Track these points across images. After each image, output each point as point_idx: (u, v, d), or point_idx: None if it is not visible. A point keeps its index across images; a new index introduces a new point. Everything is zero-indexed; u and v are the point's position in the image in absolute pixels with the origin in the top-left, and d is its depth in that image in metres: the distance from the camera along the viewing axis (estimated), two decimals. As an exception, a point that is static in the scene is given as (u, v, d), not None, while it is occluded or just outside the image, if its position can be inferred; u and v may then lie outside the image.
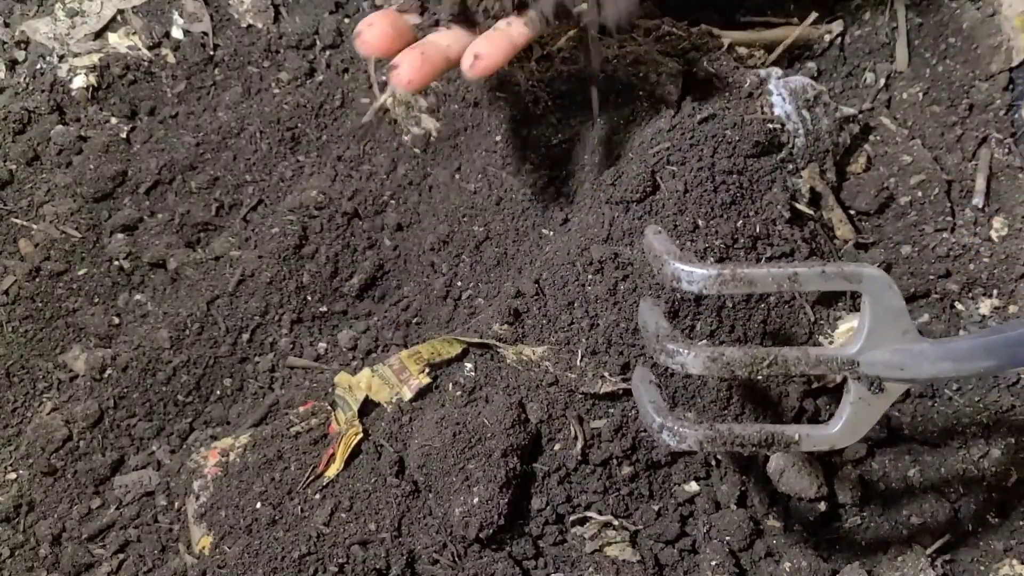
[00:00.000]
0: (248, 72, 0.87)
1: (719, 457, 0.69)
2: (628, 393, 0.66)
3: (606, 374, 0.65)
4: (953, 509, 0.69)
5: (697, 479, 0.69)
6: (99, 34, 0.87)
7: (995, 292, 0.74)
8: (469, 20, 0.62)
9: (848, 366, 0.54)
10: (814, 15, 0.82)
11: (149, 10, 0.88)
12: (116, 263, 0.81)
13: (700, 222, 0.66)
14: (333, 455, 0.67)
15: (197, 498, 0.68)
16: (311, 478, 0.66)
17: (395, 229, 0.81)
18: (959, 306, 0.74)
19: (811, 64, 0.83)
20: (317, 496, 0.66)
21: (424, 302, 0.79)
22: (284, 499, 0.66)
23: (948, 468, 0.71)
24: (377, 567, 0.64)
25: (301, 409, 0.71)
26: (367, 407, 0.69)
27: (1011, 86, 0.78)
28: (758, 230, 0.68)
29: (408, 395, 0.68)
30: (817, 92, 0.75)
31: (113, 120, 0.86)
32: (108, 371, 0.75)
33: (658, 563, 0.68)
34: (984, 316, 0.74)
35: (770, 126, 0.73)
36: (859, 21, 0.79)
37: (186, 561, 0.67)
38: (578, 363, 0.66)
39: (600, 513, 0.67)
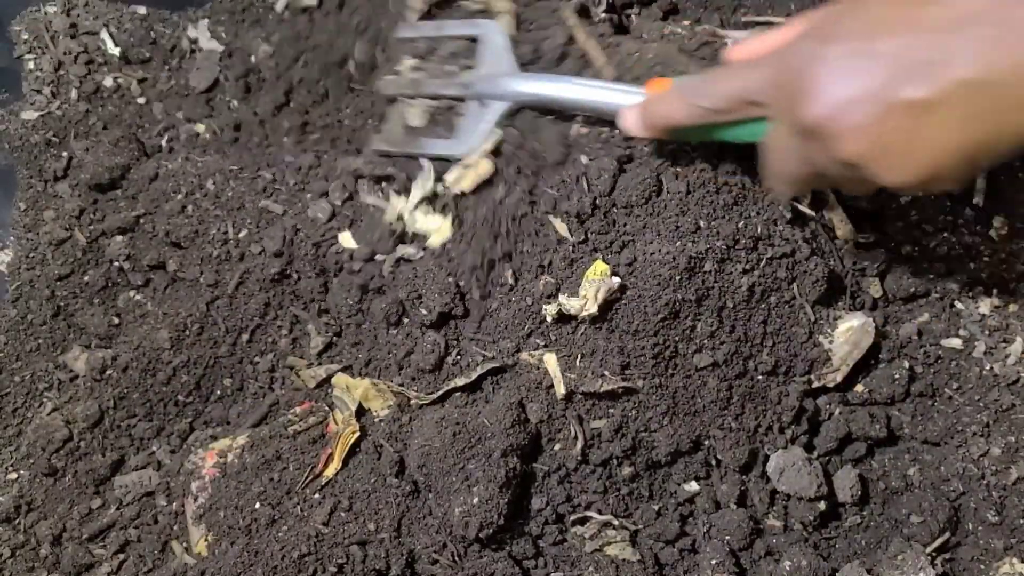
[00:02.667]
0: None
1: (719, 457, 0.69)
2: (628, 392, 0.66)
3: (606, 372, 0.65)
4: (953, 508, 0.69)
5: (697, 479, 0.69)
6: None
7: (995, 291, 0.74)
8: None
9: (464, 87, 0.72)
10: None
11: None
12: (116, 264, 0.81)
13: (702, 223, 0.66)
14: (331, 455, 0.67)
15: (195, 499, 0.68)
16: (310, 478, 0.66)
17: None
18: (959, 305, 0.74)
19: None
20: (316, 496, 0.66)
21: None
22: (283, 499, 0.66)
23: (948, 467, 0.71)
24: (377, 567, 0.64)
25: (299, 409, 0.71)
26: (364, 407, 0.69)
27: (1011, 85, 0.78)
28: (759, 231, 0.68)
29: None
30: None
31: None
32: (108, 371, 0.75)
33: (658, 563, 0.68)
34: (984, 315, 0.74)
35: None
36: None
37: (185, 561, 0.67)
38: (577, 363, 0.66)
39: (600, 513, 0.67)
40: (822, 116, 0.45)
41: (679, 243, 0.65)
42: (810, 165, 0.50)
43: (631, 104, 0.62)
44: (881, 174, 0.45)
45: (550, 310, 0.65)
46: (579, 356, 0.66)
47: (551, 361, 0.66)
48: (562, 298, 0.65)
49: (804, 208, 0.72)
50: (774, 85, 0.50)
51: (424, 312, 0.70)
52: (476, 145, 0.70)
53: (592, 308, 0.64)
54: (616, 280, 0.64)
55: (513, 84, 0.68)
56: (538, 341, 0.67)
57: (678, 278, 0.64)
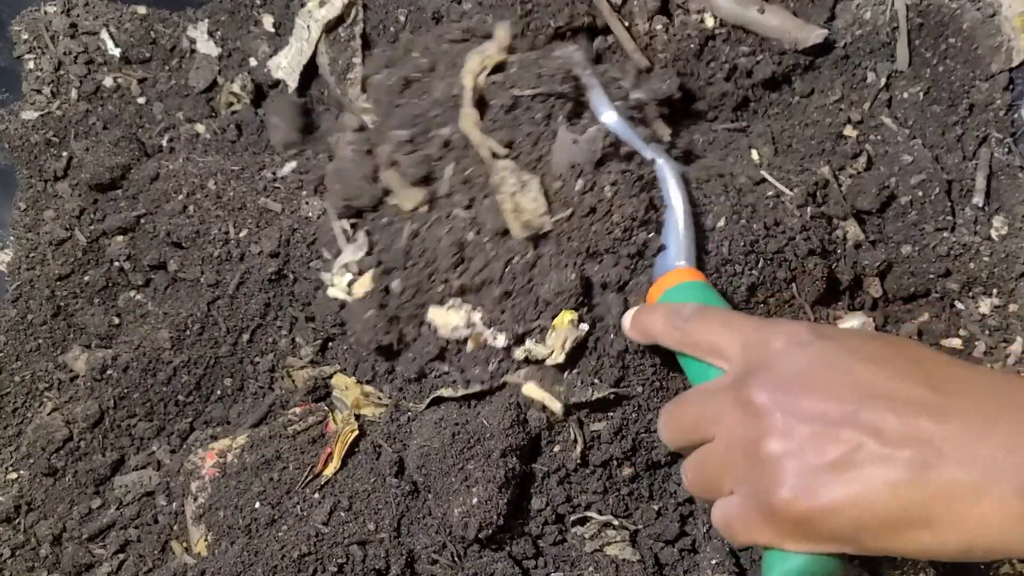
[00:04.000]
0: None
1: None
2: (621, 399, 0.66)
3: (596, 380, 0.65)
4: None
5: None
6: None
7: (995, 291, 0.74)
8: None
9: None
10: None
11: None
12: (116, 264, 0.81)
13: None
14: (331, 454, 0.67)
15: (195, 499, 0.68)
16: (309, 477, 0.66)
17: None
18: (959, 305, 0.74)
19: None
20: (316, 496, 0.66)
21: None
22: (283, 499, 0.66)
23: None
24: (376, 567, 0.64)
25: (299, 409, 0.71)
26: (366, 407, 0.69)
27: (1011, 86, 0.78)
28: (758, 231, 0.68)
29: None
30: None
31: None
32: (108, 371, 0.75)
33: (658, 563, 0.68)
34: (984, 315, 0.74)
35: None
36: (859, 21, 0.79)
37: (185, 561, 0.67)
38: (565, 375, 0.66)
39: (600, 513, 0.67)
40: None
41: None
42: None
43: (629, 313, 0.63)
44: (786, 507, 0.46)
45: (518, 354, 0.65)
46: (566, 372, 0.66)
47: (532, 390, 0.66)
48: (529, 343, 0.65)
49: (805, 207, 0.72)
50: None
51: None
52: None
53: (559, 358, 0.64)
54: (584, 327, 0.64)
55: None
56: (518, 372, 0.67)
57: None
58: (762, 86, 0.81)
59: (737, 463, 0.47)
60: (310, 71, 0.86)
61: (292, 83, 0.85)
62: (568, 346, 0.64)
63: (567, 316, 0.63)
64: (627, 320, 0.63)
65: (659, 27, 0.78)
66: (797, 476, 0.44)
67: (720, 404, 0.49)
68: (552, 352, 0.64)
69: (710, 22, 0.78)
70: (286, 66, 0.85)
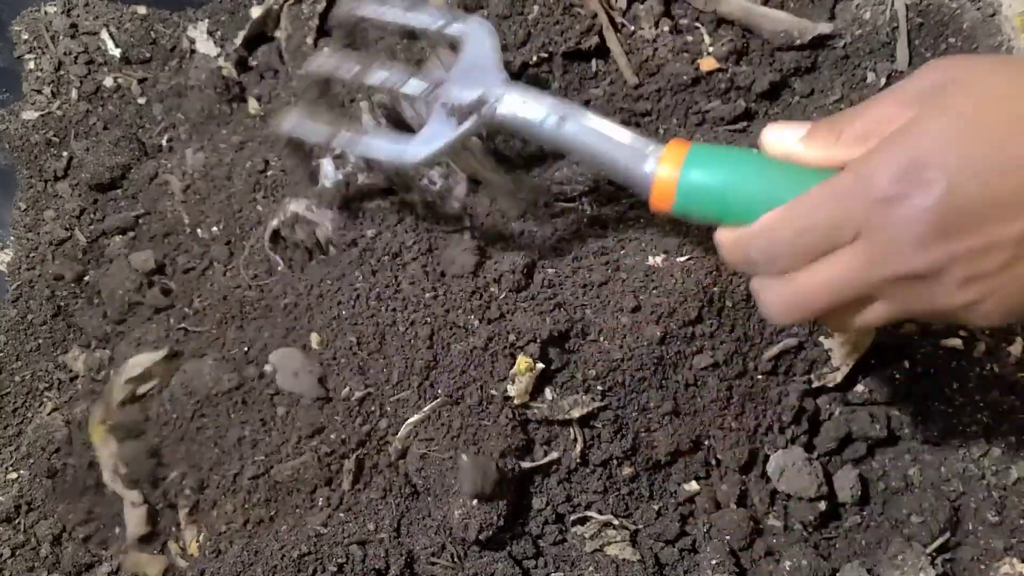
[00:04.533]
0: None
1: (719, 456, 0.69)
2: (602, 410, 0.66)
3: (577, 396, 0.65)
4: (953, 508, 0.69)
5: (697, 479, 0.69)
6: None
7: (995, 291, 0.74)
8: None
9: (430, 87, 0.60)
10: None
11: None
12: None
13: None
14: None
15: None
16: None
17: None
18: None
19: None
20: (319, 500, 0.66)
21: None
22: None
23: (948, 467, 0.71)
24: (376, 567, 0.64)
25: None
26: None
27: (1011, 85, 0.78)
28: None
29: None
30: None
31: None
32: (107, 371, 0.76)
33: (658, 562, 0.68)
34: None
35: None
36: (859, 21, 0.79)
37: (180, 563, 0.67)
38: (547, 392, 0.66)
39: (600, 513, 0.67)
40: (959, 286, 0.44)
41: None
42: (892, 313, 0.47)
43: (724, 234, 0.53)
44: (974, 318, 0.45)
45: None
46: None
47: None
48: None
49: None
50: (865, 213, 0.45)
51: None
52: (433, 157, 0.60)
53: (525, 398, 0.64)
54: (540, 366, 0.64)
55: (501, 95, 0.57)
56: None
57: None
58: (761, 96, 0.81)
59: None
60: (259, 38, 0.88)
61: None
62: (532, 385, 0.64)
63: (522, 364, 0.63)
64: (727, 246, 0.52)
65: (662, 37, 0.78)
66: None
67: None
68: (520, 392, 0.64)
69: (707, 39, 0.79)
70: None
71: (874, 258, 0.45)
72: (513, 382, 0.64)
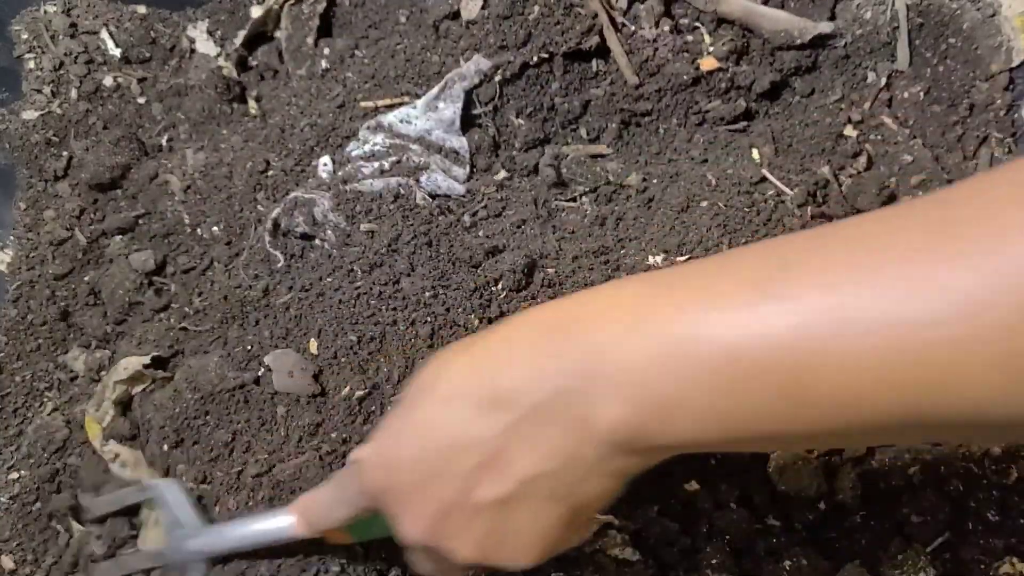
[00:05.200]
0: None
1: (719, 456, 0.69)
2: None
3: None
4: (954, 507, 0.69)
5: (698, 478, 0.69)
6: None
7: (995, 291, 0.74)
8: None
9: (160, 558, 0.66)
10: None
11: None
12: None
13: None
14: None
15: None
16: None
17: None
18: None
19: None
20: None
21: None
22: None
23: (948, 466, 0.71)
24: (377, 568, 0.64)
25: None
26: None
27: (1011, 86, 0.78)
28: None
29: None
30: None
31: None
32: (106, 371, 0.75)
33: (659, 562, 0.68)
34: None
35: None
36: (859, 21, 0.79)
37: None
38: None
39: (601, 513, 0.67)
40: (420, 538, 0.46)
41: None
42: (445, 565, 0.49)
43: (292, 506, 0.59)
44: (510, 564, 0.46)
45: None
46: None
47: None
48: None
49: (805, 207, 0.72)
50: (369, 500, 0.49)
51: None
52: None
53: None
54: None
55: (194, 544, 0.63)
56: None
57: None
58: (761, 96, 0.81)
59: None
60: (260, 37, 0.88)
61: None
62: None
63: None
64: (299, 527, 0.58)
65: (662, 36, 0.78)
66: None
67: None
68: None
69: (707, 39, 0.79)
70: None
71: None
72: None
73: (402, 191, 0.72)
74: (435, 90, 0.76)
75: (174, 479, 0.67)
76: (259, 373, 0.67)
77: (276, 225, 0.72)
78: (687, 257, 0.67)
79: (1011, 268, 0.30)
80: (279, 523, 0.59)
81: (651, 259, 0.67)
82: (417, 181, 0.73)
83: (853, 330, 0.33)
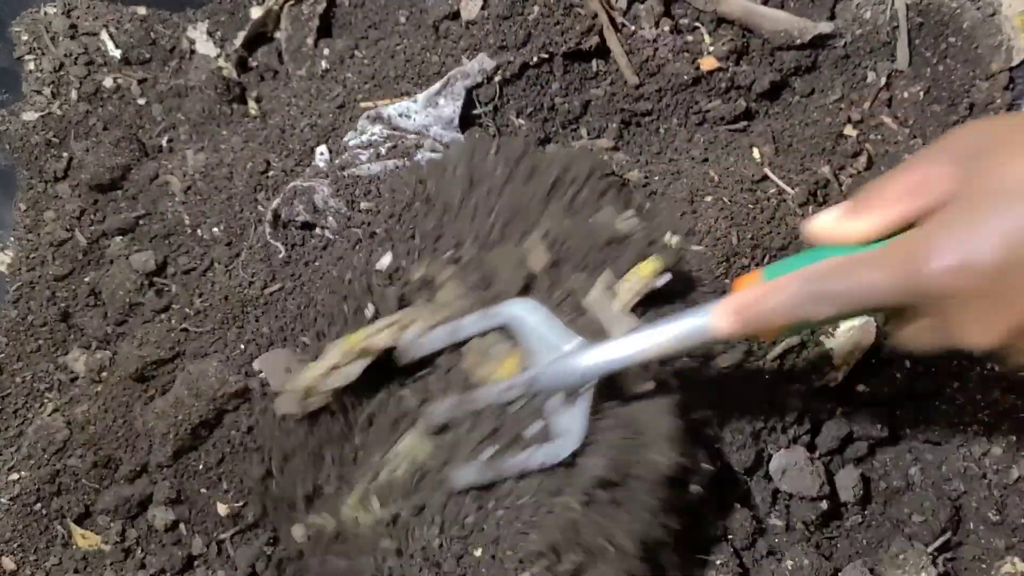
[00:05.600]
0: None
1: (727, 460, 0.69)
2: None
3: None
4: (954, 507, 0.69)
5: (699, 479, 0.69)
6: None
7: (996, 291, 0.74)
8: None
9: (530, 387, 0.58)
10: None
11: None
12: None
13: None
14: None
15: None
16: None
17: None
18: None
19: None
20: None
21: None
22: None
23: (949, 466, 0.71)
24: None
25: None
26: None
27: (1011, 85, 0.78)
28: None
29: None
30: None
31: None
32: (106, 372, 0.76)
33: (660, 563, 0.68)
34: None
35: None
36: (859, 20, 0.80)
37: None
38: None
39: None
40: (991, 345, 0.43)
41: None
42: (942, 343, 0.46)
43: (720, 306, 0.51)
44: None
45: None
46: None
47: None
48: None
49: (806, 206, 0.72)
50: (921, 295, 0.44)
51: None
52: (580, 439, 0.58)
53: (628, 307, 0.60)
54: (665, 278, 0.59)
55: (588, 362, 0.56)
56: None
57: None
58: (761, 96, 0.81)
59: None
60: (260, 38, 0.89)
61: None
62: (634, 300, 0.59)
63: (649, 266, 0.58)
64: (725, 318, 0.51)
65: (662, 36, 0.78)
66: None
67: None
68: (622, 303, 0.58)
69: (707, 39, 0.79)
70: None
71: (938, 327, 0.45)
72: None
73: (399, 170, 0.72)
74: (437, 86, 0.76)
75: (526, 300, 0.59)
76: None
77: (276, 216, 0.72)
78: (700, 241, 0.67)
79: None
80: (697, 324, 0.51)
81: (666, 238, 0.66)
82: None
83: None
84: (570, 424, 0.57)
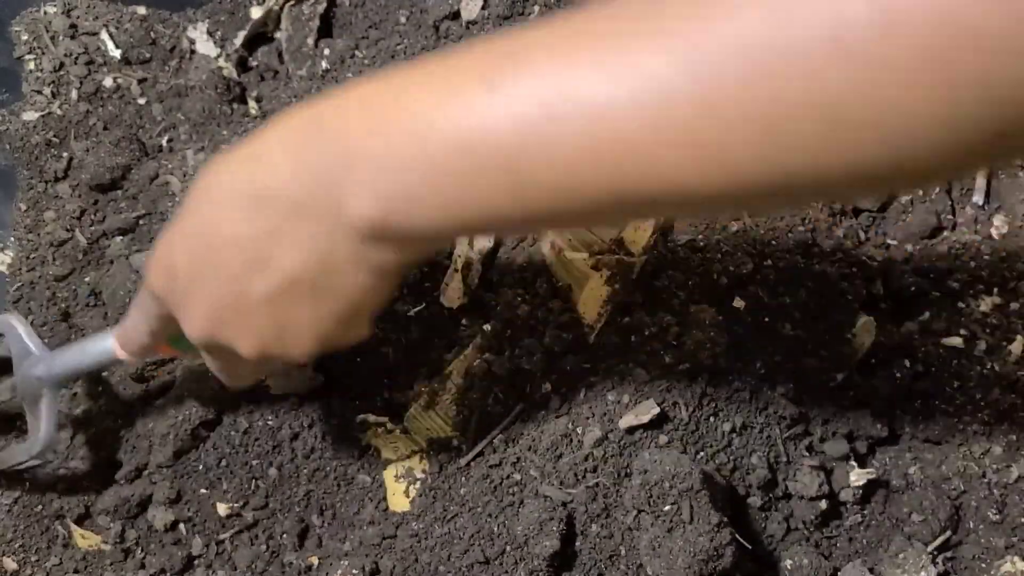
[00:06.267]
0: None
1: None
2: None
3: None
4: (954, 506, 0.69)
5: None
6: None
7: (996, 290, 0.74)
8: None
9: (11, 391, 0.69)
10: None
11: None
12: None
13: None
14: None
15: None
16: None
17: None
18: (960, 304, 0.74)
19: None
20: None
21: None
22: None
23: (949, 465, 0.71)
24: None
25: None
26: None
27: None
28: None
29: None
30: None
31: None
32: (107, 372, 0.76)
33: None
34: (985, 313, 0.74)
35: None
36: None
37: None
38: None
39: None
40: (202, 335, 0.48)
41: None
42: (233, 360, 0.51)
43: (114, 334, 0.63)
44: (289, 356, 0.48)
45: None
46: None
47: None
48: None
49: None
50: (158, 306, 0.52)
51: None
52: (48, 437, 0.66)
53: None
54: None
55: (38, 372, 0.66)
56: None
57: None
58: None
59: None
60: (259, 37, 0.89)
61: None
62: None
63: None
64: (117, 349, 0.62)
65: None
66: None
67: None
68: None
69: None
70: None
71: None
72: None
73: None
74: None
75: (11, 311, 0.70)
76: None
77: None
78: (704, 228, 0.68)
79: (701, 56, 0.31)
80: (103, 346, 0.62)
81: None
82: None
83: (560, 115, 0.34)
84: (37, 425, 0.66)
